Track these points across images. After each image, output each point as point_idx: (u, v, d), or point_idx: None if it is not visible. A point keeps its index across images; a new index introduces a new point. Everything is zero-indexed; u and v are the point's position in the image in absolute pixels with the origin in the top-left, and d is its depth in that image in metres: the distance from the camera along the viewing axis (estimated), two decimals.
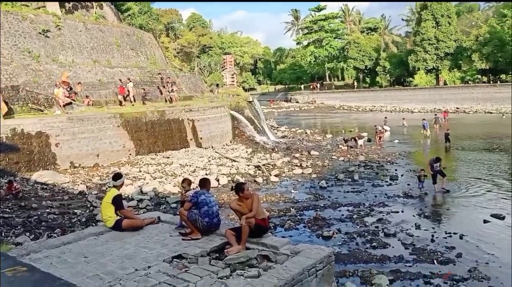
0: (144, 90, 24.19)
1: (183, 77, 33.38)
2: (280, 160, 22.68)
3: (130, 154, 20.59)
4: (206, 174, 19.35)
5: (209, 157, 22.32)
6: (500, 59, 58.58)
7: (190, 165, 20.53)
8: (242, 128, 29.09)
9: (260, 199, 15.46)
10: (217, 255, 6.12)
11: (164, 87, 27.69)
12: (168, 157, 21.41)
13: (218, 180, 18.27)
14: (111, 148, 19.82)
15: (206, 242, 6.50)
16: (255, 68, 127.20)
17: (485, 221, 12.14)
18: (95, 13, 30.97)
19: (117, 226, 7.41)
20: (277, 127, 40.93)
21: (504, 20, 60.01)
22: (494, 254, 9.79)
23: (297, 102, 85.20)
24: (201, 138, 24.52)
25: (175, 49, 72.94)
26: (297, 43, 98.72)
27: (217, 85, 43.60)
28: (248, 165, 21.31)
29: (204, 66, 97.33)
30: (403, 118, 43.15)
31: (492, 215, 12.53)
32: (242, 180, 18.34)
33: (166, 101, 26.84)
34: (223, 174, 19.39)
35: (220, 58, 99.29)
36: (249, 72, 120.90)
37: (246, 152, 24.76)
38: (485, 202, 14.13)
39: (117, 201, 7.54)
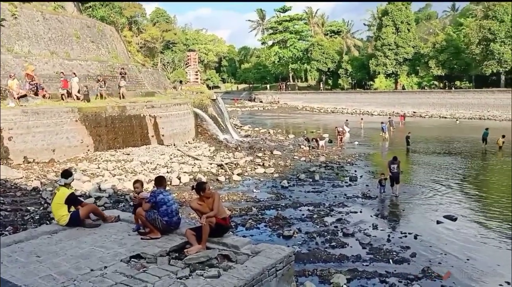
0: (86, 87, 22.64)
1: (145, 73, 32.72)
2: (243, 159, 22.67)
3: (89, 150, 19.97)
4: (168, 172, 19.08)
5: (171, 155, 22.00)
6: (455, 66, 61.28)
7: (151, 163, 20.15)
8: (206, 126, 28.86)
9: (222, 198, 15.50)
10: (177, 254, 6.01)
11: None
12: (128, 154, 20.92)
13: (179, 178, 18.04)
14: (68, 143, 19.14)
15: (166, 242, 6.38)
16: (220, 66, 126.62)
17: (438, 222, 12.63)
18: (54, 3, 29.77)
19: (74, 220, 7.10)
20: (241, 126, 40.93)
21: (460, 29, 62.81)
22: (446, 254, 10.19)
23: (261, 101, 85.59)
24: (163, 135, 24.12)
25: (138, 44, 71.37)
26: (262, 43, 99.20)
27: (181, 81, 43.06)
28: (211, 164, 21.17)
29: (168, 62, 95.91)
30: (361, 118, 44.14)
31: (445, 217, 13.06)
32: (204, 178, 18.22)
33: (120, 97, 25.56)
34: (185, 172, 19.16)
35: (184, 54, 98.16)
36: (213, 70, 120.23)
37: (209, 150, 24.59)
38: (439, 204, 14.67)
39: (72, 200, 7.25)
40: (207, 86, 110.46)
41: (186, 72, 75.18)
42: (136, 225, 7.00)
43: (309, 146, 27.28)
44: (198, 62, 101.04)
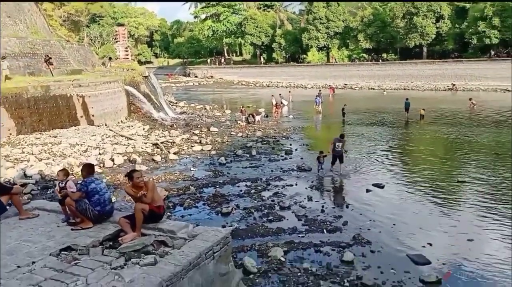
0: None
1: (70, 49, 30.71)
2: (179, 137, 22.34)
3: (10, 134, 18.63)
4: (100, 154, 18.36)
5: (103, 136, 21.15)
6: (382, 39, 63.88)
7: (81, 145, 19.26)
8: (138, 104, 27.91)
9: (159, 178, 15.28)
10: (111, 243, 5.85)
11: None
12: (55, 137, 19.80)
13: (113, 160, 17.44)
14: None
15: (99, 231, 6.17)
16: (152, 40, 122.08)
17: (367, 191, 13.36)
18: None
19: None
20: (176, 103, 40.07)
21: (386, 3, 65.21)
22: (375, 220, 10.85)
23: (196, 76, 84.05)
24: (93, 115, 23.04)
25: (61, 17, 66.43)
26: (195, 17, 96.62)
27: (110, 58, 40.94)
28: (146, 143, 20.65)
29: (95, 37, 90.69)
30: (289, 91, 44.88)
31: (374, 185, 13.84)
32: (139, 159, 17.76)
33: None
34: (118, 153, 18.54)
35: (112, 29, 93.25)
36: (145, 45, 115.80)
37: (143, 129, 23.91)
38: (368, 173, 15.48)
39: None
40: (139, 61, 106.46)
41: (116, 48, 71.47)
42: (66, 216, 6.68)
43: (246, 121, 27.41)
44: (128, 37, 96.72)
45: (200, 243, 5.38)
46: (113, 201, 7.41)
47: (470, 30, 53.64)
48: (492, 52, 54.99)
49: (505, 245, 9.28)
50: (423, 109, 28.23)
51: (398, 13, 58.83)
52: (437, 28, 57.41)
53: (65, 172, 6.88)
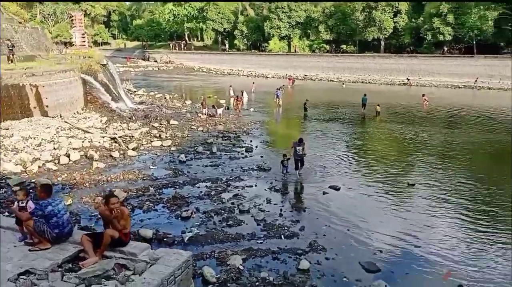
0: None
1: (23, 33, 29.26)
2: (138, 130, 22.01)
3: None
4: (55, 148, 17.86)
5: (58, 128, 20.54)
6: (342, 31, 64.91)
7: (34, 138, 18.67)
8: (96, 94, 27.09)
9: (117, 177, 15.13)
10: (71, 266, 5.85)
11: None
12: (6, 129, 19.03)
13: (68, 156, 17.04)
14: None
15: (57, 252, 6.13)
16: (109, 20, 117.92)
17: (324, 193, 13.83)
18: None
19: None
20: (135, 91, 39.18)
21: None
22: (330, 225, 11.32)
23: (156, 61, 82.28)
24: (47, 106, 22.18)
25: None
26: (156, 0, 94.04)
27: (65, 44, 39.28)
28: (103, 137, 20.24)
29: (48, 15, 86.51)
30: (253, 82, 44.95)
31: (330, 187, 14.33)
32: (96, 155, 17.40)
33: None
34: (74, 148, 18.10)
35: (67, 7, 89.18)
36: (102, 25, 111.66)
37: (101, 121, 23.35)
38: (326, 174, 15.93)
39: None
40: (95, 42, 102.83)
41: (71, 28, 68.64)
42: (22, 236, 6.56)
43: (207, 114, 27.32)
44: (85, 16, 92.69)
45: (162, 268, 5.50)
46: (71, 221, 7.28)
47: (426, 26, 55.50)
48: (445, 48, 57.26)
49: (453, 248, 9.97)
50: (379, 106, 29.18)
51: (358, 6, 59.91)
52: (394, 22, 58.99)
53: (24, 192, 6.71)
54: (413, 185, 14.60)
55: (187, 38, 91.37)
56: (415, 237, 10.63)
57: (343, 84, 51.23)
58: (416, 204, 13.04)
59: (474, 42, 53.11)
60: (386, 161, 18.06)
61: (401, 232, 10.96)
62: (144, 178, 15.06)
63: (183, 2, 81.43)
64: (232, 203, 12.77)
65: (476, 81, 46.92)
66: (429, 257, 9.58)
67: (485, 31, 51.09)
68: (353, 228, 11.20)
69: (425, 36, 56.09)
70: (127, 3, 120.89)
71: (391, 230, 11.08)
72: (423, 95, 33.91)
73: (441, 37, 53.92)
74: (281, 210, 12.35)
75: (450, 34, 53.30)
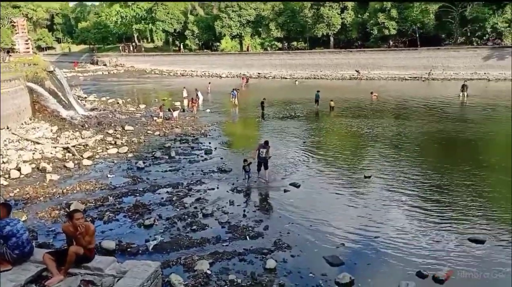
0: None
1: None
2: (92, 138, 21.38)
3: None
4: (4, 162, 17.00)
5: (5, 140, 19.56)
6: (292, 28, 65.92)
7: None
8: (44, 102, 25.98)
9: (73, 188, 14.64)
10: (34, 286, 5.67)
11: None
12: None
13: (19, 169, 16.31)
14: None
15: (19, 273, 5.91)
16: (52, 24, 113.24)
17: (285, 191, 14.07)
18: None
19: None
20: (85, 97, 37.92)
21: None
22: (293, 222, 11.54)
23: (105, 65, 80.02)
24: None
25: None
26: (100, 1, 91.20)
27: (8, 51, 37.38)
28: (55, 147, 19.51)
29: None
30: (209, 82, 44.67)
31: (291, 184, 14.59)
32: (49, 167, 16.75)
33: None
34: (25, 161, 17.35)
35: (7, 11, 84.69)
36: (45, 29, 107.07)
37: (51, 131, 22.49)
38: (285, 172, 16.17)
39: None
40: (39, 47, 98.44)
41: (12, 33, 65.24)
42: None
43: (163, 117, 26.93)
44: (27, 20, 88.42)
45: (130, 281, 5.45)
46: (31, 242, 7.00)
47: (371, 21, 57.46)
48: (391, 42, 59.53)
49: (411, 236, 10.47)
50: (332, 101, 29.94)
51: (306, 3, 61.03)
52: (342, 18, 60.65)
53: None
54: (370, 177, 15.14)
55: (136, 40, 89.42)
56: (375, 228, 11.07)
57: (296, 81, 52.02)
58: (373, 195, 13.55)
59: (417, 35, 55.60)
60: (343, 155, 18.62)
61: (361, 224, 11.37)
62: (102, 188, 14.68)
63: (130, 3, 79.55)
64: (195, 208, 12.72)
65: (429, 72, 49.00)
66: (388, 247, 10.01)
67: (427, 24, 53.67)
68: (315, 223, 11.49)
69: (371, 31, 58.07)
70: (71, 4, 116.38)
71: (351, 223, 11.46)
72: (372, 93, 35.11)
73: (386, 32, 56.01)
74: (244, 211, 12.45)
75: (394, 28, 55.48)
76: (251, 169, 15.02)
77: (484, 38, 52.20)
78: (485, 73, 47.16)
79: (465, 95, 32.79)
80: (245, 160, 15.03)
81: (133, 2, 79.60)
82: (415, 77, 49.34)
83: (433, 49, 52.73)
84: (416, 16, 53.52)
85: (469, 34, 53.57)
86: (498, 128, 22.92)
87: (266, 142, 15.29)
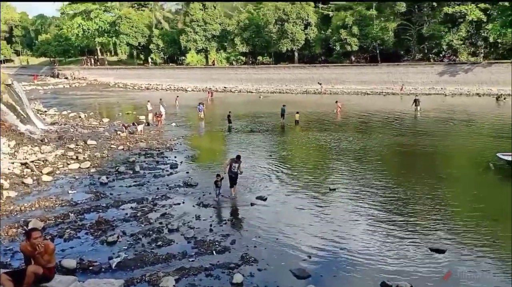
0: None
1: None
2: (52, 153, 20.69)
3: None
4: None
5: None
6: (257, 43, 66.65)
7: None
8: (1, 116, 24.97)
9: (32, 205, 14.10)
10: None
11: None
12: None
13: None
14: None
15: None
16: (11, 36, 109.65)
17: (252, 204, 14.07)
18: None
19: None
20: (45, 111, 36.70)
21: (259, 7, 68.14)
22: (260, 236, 11.55)
23: (66, 78, 77.99)
24: None
25: None
26: (62, 13, 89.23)
27: None
28: (13, 163, 18.72)
29: None
30: (177, 96, 44.43)
31: (257, 198, 14.62)
32: (6, 183, 16.06)
33: None
34: None
35: None
36: (3, 41, 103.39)
37: (9, 146, 21.51)
38: (252, 185, 16.14)
39: None
40: None
41: None
42: None
43: (127, 132, 26.43)
44: None
45: None
46: None
47: (334, 37, 58.96)
48: (353, 58, 61.22)
49: (374, 247, 10.68)
50: (298, 113, 30.29)
51: (271, 19, 62.00)
52: (305, 34, 61.88)
53: None
54: (335, 190, 15.40)
55: (99, 53, 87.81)
56: (340, 240, 11.23)
57: (260, 95, 52.49)
58: (339, 208, 13.77)
59: (378, 51, 57.49)
60: (308, 168, 18.87)
61: (327, 236, 11.51)
62: (63, 204, 14.21)
63: (92, 17, 78.21)
64: (160, 223, 12.51)
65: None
66: (353, 258, 10.18)
67: (386, 41, 55.63)
68: (282, 236, 11.54)
69: (334, 47, 59.51)
70: (31, 16, 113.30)
71: (317, 235, 11.59)
72: (336, 101, 35.85)
73: (348, 48, 57.55)
74: (211, 225, 12.35)
75: (356, 45, 57.09)
76: (222, 185, 14.62)
77: (441, 55, 54.56)
78: (441, 88, 49.17)
79: (418, 109, 34.01)
80: (218, 175, 14.53)
81: (96, 16, 78.37)
82: (377, 92, 50.86)
83: (393, 65, 54.61)
84: (376, 33, 55.43)
85: (426, 51, 55.83)
86: (454, 141, 23.89)
87: (238, 157, 14.90)
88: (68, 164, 19.31)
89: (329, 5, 63.28)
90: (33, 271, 5.53)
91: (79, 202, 14.44)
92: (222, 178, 14.52)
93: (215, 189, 14.49)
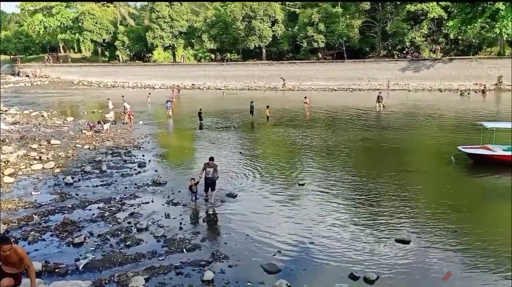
0: None
1: None
2: (14, 154, 19.96)
3: None
4: None
5: None
6: (225, 40, 66.44)
7: None
8: None
9: None
10: None
11: None
12: None
13: None
14: None
15: None
16: None
17: (222, 201, 14.04)
18: None
19: None
20: (6, 110, 35.35)
21: (226, 4, 67.94)
22: (230, 233, 11.55)
23: (28, 76, 75.22)
24: None
25: None
26: (21, 10, 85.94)
27: None
28: None
29: None
30: (149, 93, 43.95)
31: (227, 195, 14.59)
32: None
33: None
34: None
35: None
36: None
37: None
38: (222, 182, 16.01)
39: None
40: None
41: None
42: None
43: (93, 131, 25.83)
44: None
45: None
46: None
47: (301, 34, 59.52)
48: (320, 55, 62.00)
49: (343, 239, 10.90)
50: (268, 107, 30.32)
51: (238, 15, 61.93)
52: (273, 31, 62.20)
53: None
54: (303, 184, 15.59)
55: (62, 50, 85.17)
56: (309, 234, 11.39)
57: (224, 92, 52.49)
58: (308, 202, 13.95)
59: (344, 48, 58.48)
60: (278, 164, 18.99)
61: (296, 230, 11.65)
62: (26, 206, 13.73)
63: (54, 13, 75.70)
64: (129, 223, 12.31)
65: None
66: (322, 251, 10.35)
67: (352, 38, 56.68)
68: (252, 232, 11.58)
69: (301, 44, 60.11)
70: None
71: (287, 230, 11.71)
72: (305, 97, 36.22)
73: (315, 44, 58.28)
74: (180, 223, 12.25)
75: (323, 41, 57.87)
76: (198, 189, 13.95)
77: (404, 51, 56.05)
78: (405, 84, 50.55)
79: (381, 106, 34.80)
80: (192, 179, 13.89)
81: (58, 12, 75.91)
82: (344, 88, 51.74)
83: (359, 62, 55.73)
84: (342, 30, 56.36)
85: (390, 47, 57.23)
86: (419, 135, 24.64)
87: (211, 159, 14.20)
88: (31, 164, 18.68)
89: (296, 2, 63.85)
90: (6, 285, 5.37)
91: (43, 203, 14.00)
92: (197, 182, 13.91)
93: (190, 195, 13.79)
